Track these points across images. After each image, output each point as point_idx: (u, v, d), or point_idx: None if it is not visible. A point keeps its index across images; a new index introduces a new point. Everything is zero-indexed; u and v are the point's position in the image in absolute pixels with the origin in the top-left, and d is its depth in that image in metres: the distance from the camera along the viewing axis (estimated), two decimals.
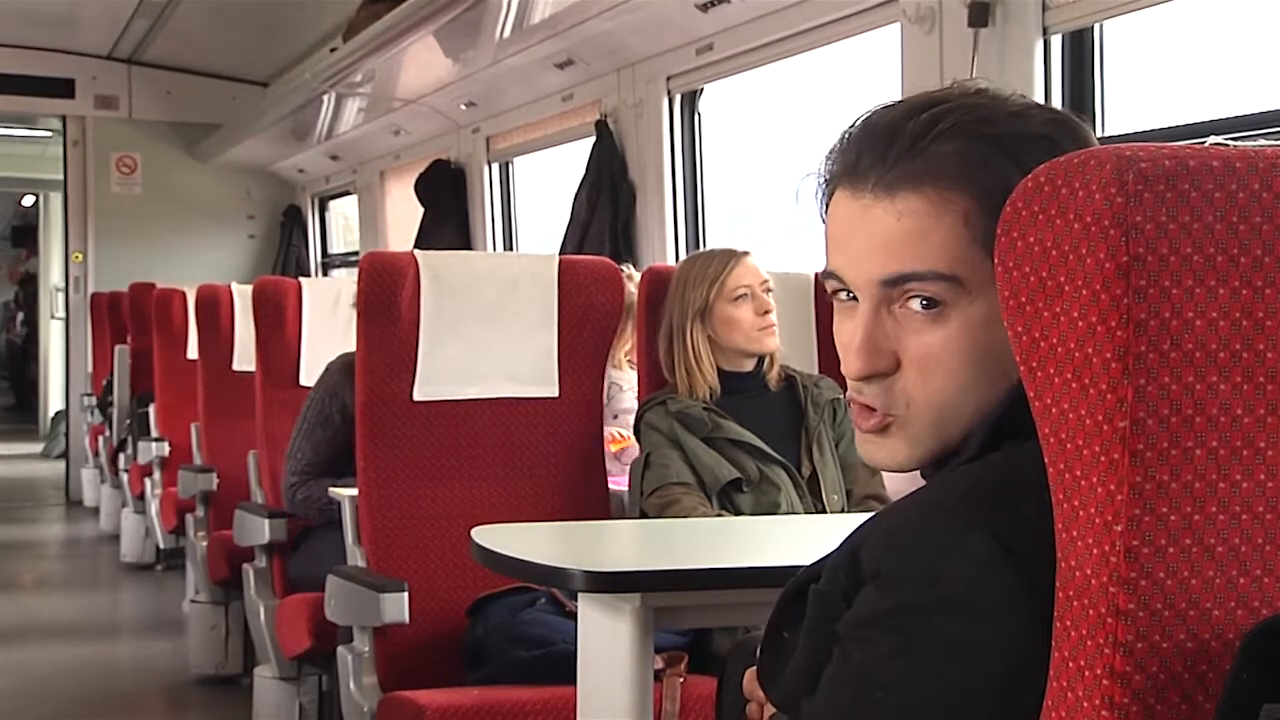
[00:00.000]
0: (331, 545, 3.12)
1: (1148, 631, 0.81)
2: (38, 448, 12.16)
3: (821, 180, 1.13)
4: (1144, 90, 3.25)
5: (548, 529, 2.49)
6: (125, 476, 6.76)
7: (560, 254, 3.13)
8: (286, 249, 9.50)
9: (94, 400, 8.40)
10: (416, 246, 6.30)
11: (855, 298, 1.10)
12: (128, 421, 6.82)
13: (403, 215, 7.57)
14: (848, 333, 1.10)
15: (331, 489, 3.12)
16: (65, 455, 9.59)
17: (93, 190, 9.34)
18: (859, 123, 1.11)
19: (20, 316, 15.99)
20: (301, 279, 4.14)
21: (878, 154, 1.07)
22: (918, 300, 1.06)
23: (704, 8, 4.28)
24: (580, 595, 1.95)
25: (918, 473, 1.13)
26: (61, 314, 10.57)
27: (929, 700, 0.94)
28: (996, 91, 1.11)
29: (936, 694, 0.94)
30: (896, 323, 1.07)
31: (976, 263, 1.04)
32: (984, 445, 1.06)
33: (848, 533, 1.04)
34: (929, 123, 1.06)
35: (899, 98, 1.13)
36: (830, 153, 1.12)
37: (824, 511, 2.78)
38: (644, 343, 3.07)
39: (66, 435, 9.56)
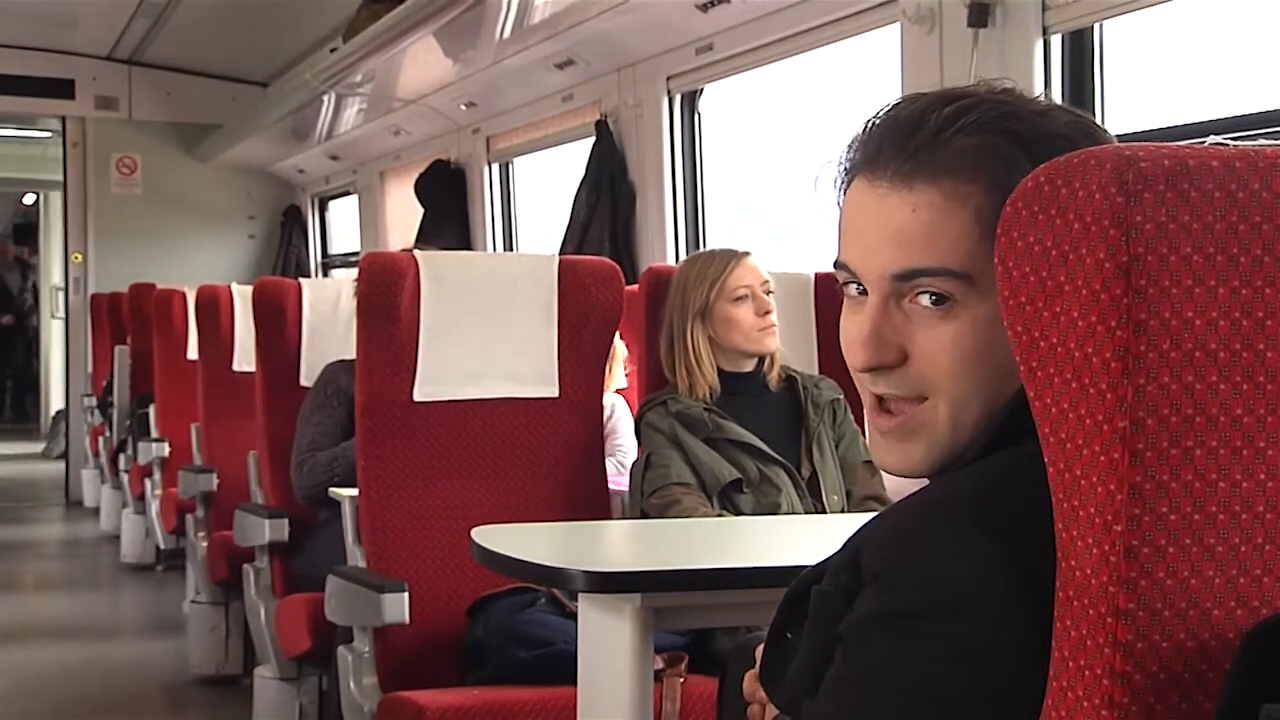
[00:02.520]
0: (331, 545, 3.12)
1: (1147, 631, 0.81)
2: (38, 447, 12.16)
3: (841, 169, 1.13)
4: (1144, 90, 3.25)
5: (548, 529, 2.49)
6: (125, 477, 6.76)
7: (560, 254, 3.13)
8: (286, 249, 9.50)
9: (94, 400, 8.39)
10: (416, 247, 6.30)
11: (865, 291, 1.10)
12: (128, 422, 6.82)
13: (403, 215, 7.57)
14: (855, 325, 1.10)
15: (332, 489, 3.13)
16: (65, 456, 9.58)
17: (93, 190, 9.33)
18: (883, 113, 1.11)
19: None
20: (301, 279, 4.13)
21: (898, 144, 1.07)
22: (927, 295, 1.06)
23: (704, 8, 4.28)
24: (580, 595, 1.95)
25: None
26: (61, 313, 10.57)
27: (930, 701, 0.94)
28: (1022, 91, 1.11)
29: (937, 695, 0.94)
30: (905, 317, 1.07)
31: (988, 260, 1.04)
32: (986, 447, 1.05)
33: (848, 533, 1.04)
34: (952, 116, 1.06)
35: (901, 96, 1.13)
36: (852, 142, 1.12)
37: (824, 512, 2.78)
38: (644, 343, 3.07)
39: (66, 435, 9.55)
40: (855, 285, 1.11)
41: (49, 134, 9.94)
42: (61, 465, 9.80)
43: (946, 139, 1.06)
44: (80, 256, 9.27)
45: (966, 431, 1.07)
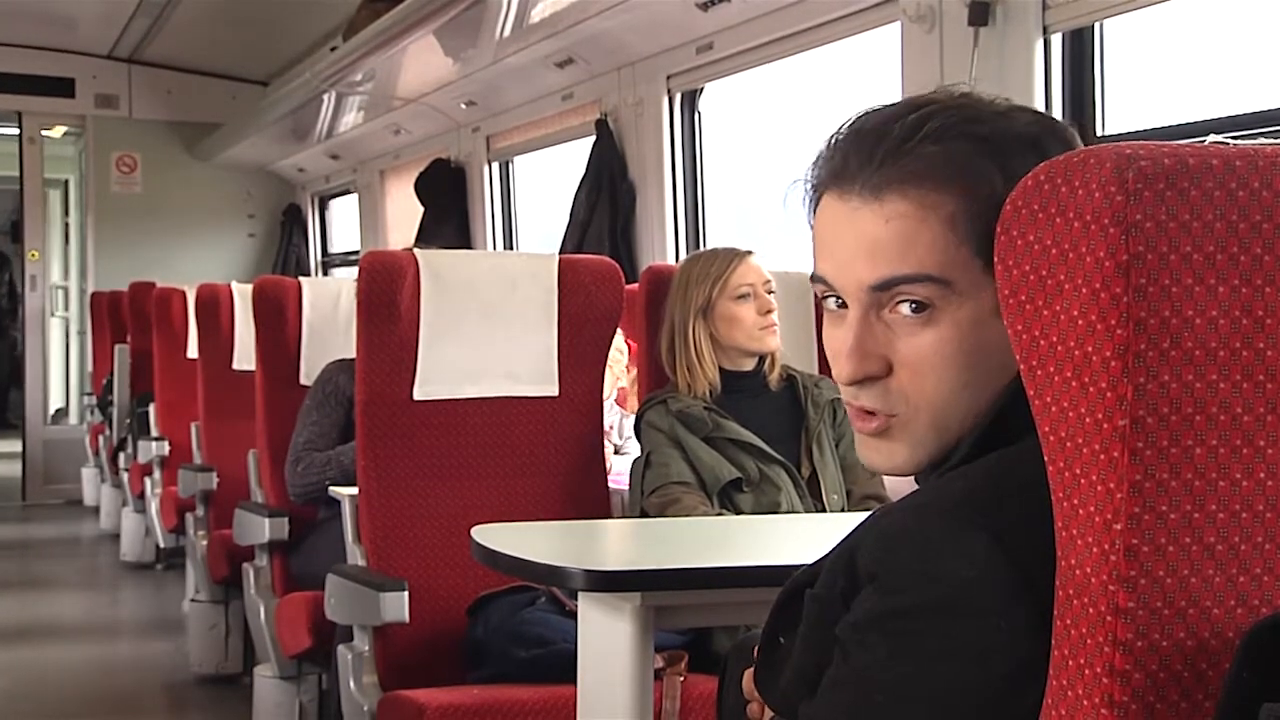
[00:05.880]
0: (332, 544, 3.12)
1: (1147, 630, 0.81)
2: None
3: (808, 185, 1.14)
4: (1144, 89, 3.25)
5: (548, 528, 2.49)
6: (125, 476, 6.76)
7: (560, 253, 3.13)
8: (286, 248, 9.50)
9: (94, 400, 8.40)
10: (416, 245, 6.30)
11: (844, 304, 1.10)
12: (128, 421, 6.82)
13: (403, 214, 7.57)
14: (838, 339, 1.10)
15: (332, 489, 3.13)
16: (23, 456, 9.43)
17: (93, 189, 9.34)
18: (845, 127, 1.11)
19: None
20: (302, 278, 4.14)
21: (864, 157, 1.07)
22: (907, 304, 1.06)
23: (704, 7, 4.28)
24: (580, 594, 1.95)
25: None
26: (61, 311, 10.56)
27: (928, 702, 0.94)
28: (982, 95, 1.12)
29: (935, 696, 0.94)
30: (886, 327, 1.08)
31: (964, 264, 1.04)
32: (978, 447, 1.06)
33: (846, 533, 1.04)
34: (915, 125, 1.06)
35: (896, 98, 1.13)
36: (817, 158, 1.13)
37: (824, 511, 2.78)
38: (644, 342, 3.07)
39: (24, 437, 9.44)
40: (834, 299, 1.11)
41: (48, 132, 9.93)
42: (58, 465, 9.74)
43: (911, 148, 1.06)
44: (37, 254, 9.23)
45: (951, 431, 1.07)
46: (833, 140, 1.11)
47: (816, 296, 1.14)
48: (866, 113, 1.11)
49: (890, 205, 1.06)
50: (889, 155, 1.06)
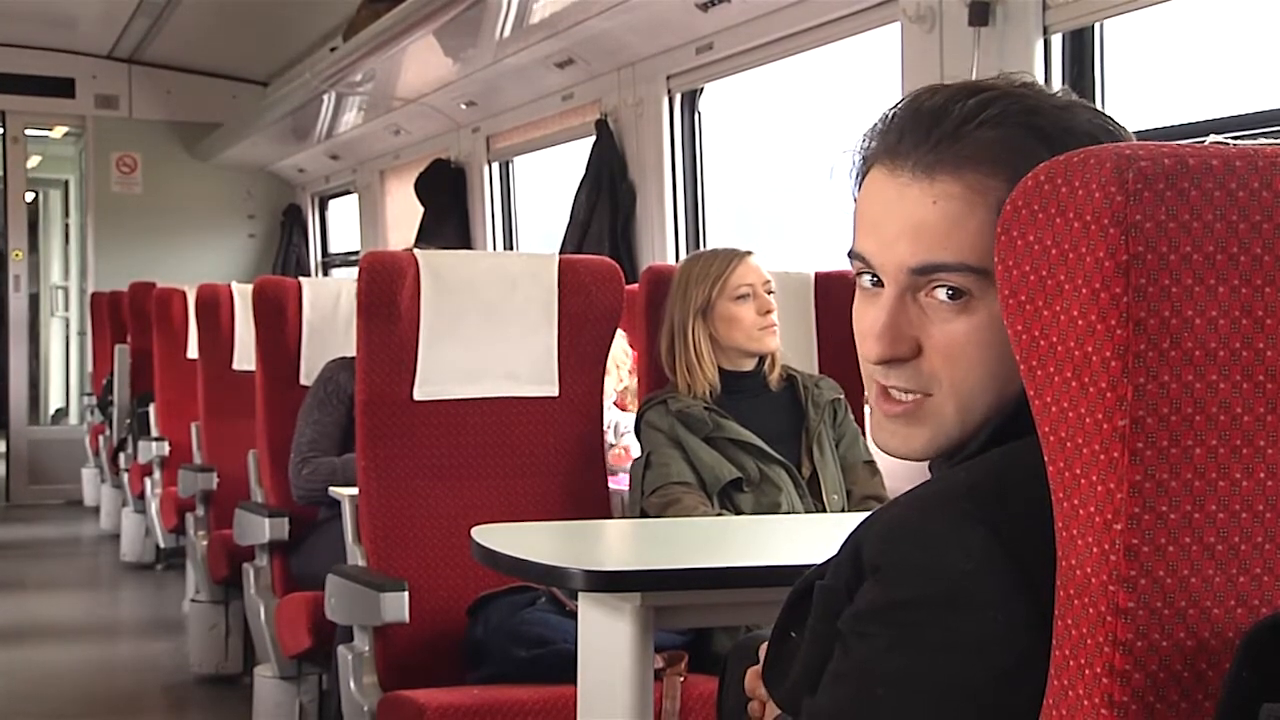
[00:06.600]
0: (331, 544, 3.12)
1: (1147, 630, 0.81)
2: None
3: (859, 158, 1.13)
4: (1144, 89, 3.25)
5: (548, 528, 2.48)
6: (125, 476, 6.76)
7: (560, 253, 3.13)
8: (286, 248, 9.50)
9: (94, 400, 8.40)
10: (417, 246, 6.30)
11: (879, 282, 1.09)
12: (128, 421, 6.82)
13: (403, 214, 7.57)
14: (870, 317, 1.09)
15: (332, 489, 3.13)
16: (6, 457, 9.39)
17: (93, 189, 9.34)
18: (903, 104, 1.10)
19: None
20: (302, 279, 4.14)
21: (921, 135, 1.07)
22: (944, 290, 1.06)
23: (704, 7, 4.28)
24: (580, 595, 1.95)
25: (918, 471, 1.13)
26: (61, 311, 10.55)
27: (927, 694, 0.94)
28: (1043, 86, 1.11)
29: (935, 688, 0.94)
30: (921, 310, 1.07)
31: None
32: (989, 441, 1.06)
33: (848, 532, 1.04)
34: (976, 108, 1.06)
35: (896, 99, 1.13)
36: (870, 131, 1.12)
37: (824, 511, 2.78)
38: (644, 342, 3.07)
39: (7, 438, 9.41)
40: (870, 276, 1.11)
41: (48, 133, 9.94)
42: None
43: (969, 131, 1.05)
44: (20, 254, 9.22)
45: (973, 423, 1.07)
46: (889, 115, 1.10)
47: (852, 272, 1.12)
48: (926, 90, 1.10)
49: (941, 186, 1.05)
50: (945, 136, 1.05)
